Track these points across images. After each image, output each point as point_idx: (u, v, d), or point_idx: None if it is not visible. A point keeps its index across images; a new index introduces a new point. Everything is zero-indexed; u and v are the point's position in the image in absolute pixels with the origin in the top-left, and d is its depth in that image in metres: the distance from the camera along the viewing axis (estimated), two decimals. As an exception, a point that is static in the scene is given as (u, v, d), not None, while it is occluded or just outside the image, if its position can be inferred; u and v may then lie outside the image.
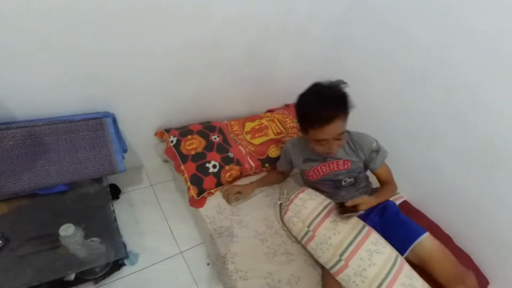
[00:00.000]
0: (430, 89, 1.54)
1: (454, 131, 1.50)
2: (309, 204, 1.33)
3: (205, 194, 1.50)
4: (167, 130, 1.69)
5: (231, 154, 1.64)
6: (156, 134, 1.74)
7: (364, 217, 1.34)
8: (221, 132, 1.74)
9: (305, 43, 1.90)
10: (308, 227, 1.28)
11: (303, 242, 1.32)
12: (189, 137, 1.63)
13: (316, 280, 1.30)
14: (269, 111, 2.14)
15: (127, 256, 1.34)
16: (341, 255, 1.17)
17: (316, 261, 1.35)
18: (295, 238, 1.39)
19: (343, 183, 1.41)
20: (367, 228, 1.26)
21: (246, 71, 1.80)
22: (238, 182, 1.63)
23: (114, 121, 1.46)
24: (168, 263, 1.42)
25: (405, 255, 1.23)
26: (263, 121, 1.92)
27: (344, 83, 1.21)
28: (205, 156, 1.57)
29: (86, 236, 1.18)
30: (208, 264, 1.45)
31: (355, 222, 1.26)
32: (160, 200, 1.69)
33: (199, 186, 1.48)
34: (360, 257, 1.15)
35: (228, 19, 1.47)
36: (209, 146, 1.62)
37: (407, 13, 1.55)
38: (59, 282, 1.19)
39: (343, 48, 1.95)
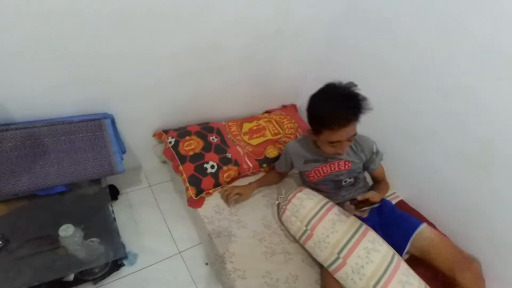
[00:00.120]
0: (427, 90, 1.55)
1: (451, 131, 1.51)
2: (307, 203, 1.35)
3: (203, 195, 1.51)
4: (166, 131, 1.70)
5: (229, 155, 1.65)
6: (154, 135, 1.74)
7: (363, 218, 1.35)
8: (219, 133, 1.76)
9: (303, 45, 1.90)
10: (306, 226, 1.30)
11: (301, 241, 1.33)
12: (187, 138, 1.64)
13: (313, 278, 1.31)
14: (266, 112, 2.16)
15: (126, 257, 1.34)
16: (339, 253, 1.19)
17: (314, 260, 1.36)
18: (293, 237, 1.40)
19: (343, 183, 1.44)
20: (364, 226, 1.27)
21: (245, 73, 1.80)
22: (236, 183, 1.64)
23: (113, 122, 1.46)
24: (166, 263, 1.43)
25: (407, 248, 1.26)
26: (261, 122, 1.94)
27: (355, 85, 1.21)
28: (203, 156, 1.59)
29: (86, 237, 1.18)
30: (206, 264, 1.46)
31: (352, 221, 1.28)
32: (159, 200, 1.70)
33: (198, 187, 1.49)
34: (357, 255, 1.16)
35: (228, 21, 1.48)
36: (207, 147, 1.63)
37: (404, 15, 1.55)
38: (59, 282, 1.19)
39: (340, 50, 1.95)
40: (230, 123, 1.89)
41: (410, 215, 1.38)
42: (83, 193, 1.34)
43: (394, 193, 1.79)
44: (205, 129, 1.73)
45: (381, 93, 1.77)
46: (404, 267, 1.17)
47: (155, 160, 1.88)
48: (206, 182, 1.51)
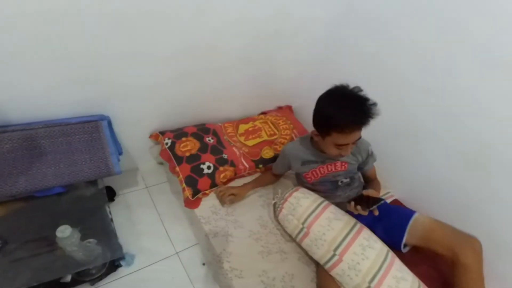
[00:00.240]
0: (427, 90, 1.55)
1: (451, 131, 1.51)
2: (303, 202, 1.36)
3: (200, 195, 1.52)
4: (162, 133, 1.71)
5: (225, 156, 1.66)
6: (150, 136, 1.75)
7: (357, 216, 1.37)
8: (215, 134, 1.77)
9: (303, 45, 1.91)
10: (303, 224, 1.31)
11: (297, 239, 1.34)
12: (183, 139, 1.65)
13: (309, 277, 1.33)
14: (262, 113, 2.17)
15: (123, 257, 1.34)
16: (335, 250, 1.20)
17: (310, 259, 1.38)
18: (290, 236, 1.42)
19: (340, 184, 1.46)
20: (359, 224, 1.29)
21: (244, 73, 1.81)
22: (232, 183, 1.65)
23: (110, 124, 1.47)
24: (164, 263, 1.43)
25: (404, 239, 1.29)
26: (257, 123, 1.95)
27: (361, 90, 1.22)
28: (199, 157, 1.60)
29: (83, 238, 1.18)
30: (203, 264, 1.46)
31: (347, 219, 1.30)
32: (156, 201, 1.70)
33: (194, 187, 1.50)
34: (353, 251, 1.18)
35: (227, 21, 1.48)
36: (204, 148, 1.64)
37: (404, 16, 1.56)
38: (56, 283, 1.19)
39: (340, 50, 1.95)
40: (226, 124, 1.90)
41: (402, 207, 1.39)
42: (80, 195, 1.34)
43: (388, 192, 1.81)
44: (201, 130, 1.74)
45: (381, 93, 1.76)
46: (398, 264, 1.19)
47: (151, 162, 1.89)
48: (203, 182, 1.52)
